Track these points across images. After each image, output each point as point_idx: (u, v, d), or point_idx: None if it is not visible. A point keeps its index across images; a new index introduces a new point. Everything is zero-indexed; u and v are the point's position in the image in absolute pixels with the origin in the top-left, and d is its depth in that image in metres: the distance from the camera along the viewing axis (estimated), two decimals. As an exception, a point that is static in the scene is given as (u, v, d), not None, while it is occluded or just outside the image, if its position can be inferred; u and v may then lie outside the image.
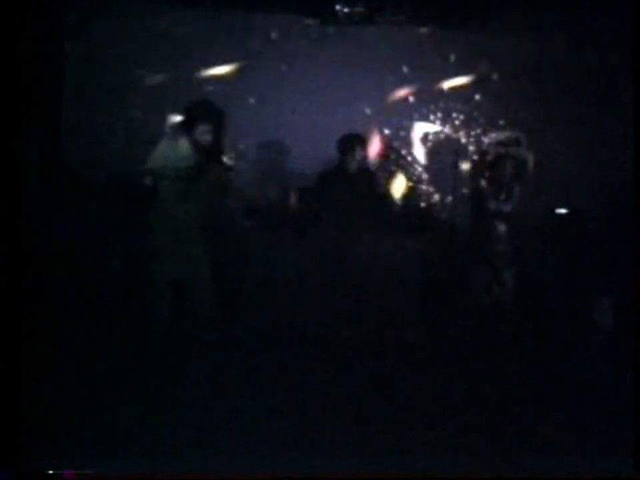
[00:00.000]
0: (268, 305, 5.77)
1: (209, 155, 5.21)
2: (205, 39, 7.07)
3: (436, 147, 7.56)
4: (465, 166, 7.25)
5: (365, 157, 6.33)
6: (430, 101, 7.52)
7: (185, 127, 5.25)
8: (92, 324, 5.27)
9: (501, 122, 7.52)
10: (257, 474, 3.57)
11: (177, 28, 7.00)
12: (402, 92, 7.44)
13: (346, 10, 6.79)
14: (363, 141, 6.30)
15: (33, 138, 5.11)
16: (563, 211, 6.99)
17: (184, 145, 5.18)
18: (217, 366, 4.91)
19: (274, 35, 7.22)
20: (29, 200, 4.44)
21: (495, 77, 7.52)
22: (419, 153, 7.53)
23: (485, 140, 7.05)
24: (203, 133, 5.18)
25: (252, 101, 7.18)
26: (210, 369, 4.85)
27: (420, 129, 7.52)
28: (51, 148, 5.44)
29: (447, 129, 7.56)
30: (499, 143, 6.34)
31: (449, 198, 7.35)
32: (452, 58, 7.47)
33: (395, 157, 7.34)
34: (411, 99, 7.48)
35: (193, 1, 6.90)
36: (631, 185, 4.68)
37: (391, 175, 7.04)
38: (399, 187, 6.99)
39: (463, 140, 7.54)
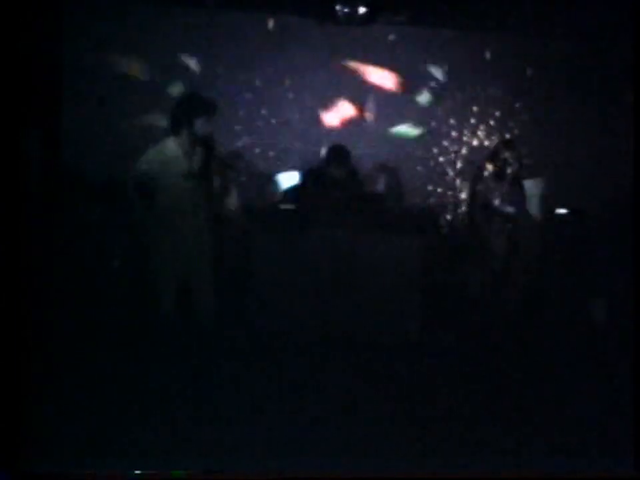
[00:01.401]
0: (268, 304, 5.77)
1: (203, 151, 5.07)
2: (205, 39, 7.08)
3: (433, 149, 7.57)
4: (461, 167, 7.29)
5: (348, 169, 6.33)
6: (428, 103, 7.53)
7: (177, 124, 5.08)
8: (92, 324, 5.27)
9: (499, 123, 7.54)
10: (257, 474, 3.57)
11: (177, 28, 7.00)
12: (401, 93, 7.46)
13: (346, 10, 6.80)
14: (346, 154, 6.34)
15: (33, 138, 5.10)
16: (562, 211, 6.99)
17: (173, 144, 5.04)
18: (217, 366, 4.91)
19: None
20: (29, 200, 4.44)
21: (494, 76, 7.53)
22: (417, 154, 7.54)
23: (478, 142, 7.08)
24: (197, 127, 5.01)
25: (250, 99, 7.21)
26: (210, 370, 4.85)
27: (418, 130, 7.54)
28: (51, 148, 5.43)
29: (446, 131, 7.57)
30: (494, 145, 6.37)
31: (447, 200, 7.39)
32: (450, 59, 7.48)
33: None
34: (411, 100, 7.49)
35: (193, 2, 6.91)
36: (631, 184, 4.68)
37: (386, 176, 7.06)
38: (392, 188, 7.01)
39: (460, 141, 7.56)
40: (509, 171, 6.03)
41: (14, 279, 3.66)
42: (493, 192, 6.04)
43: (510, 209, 6.00)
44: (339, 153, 6.33)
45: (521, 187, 6.09)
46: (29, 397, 3.70)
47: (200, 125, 4.97)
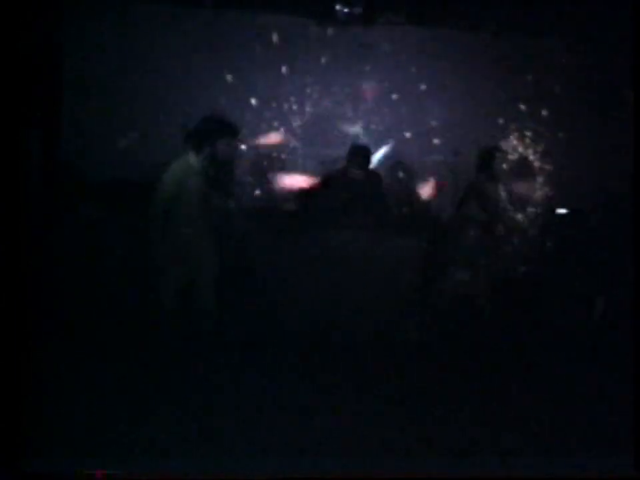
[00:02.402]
0: (271, 306, 5.77)
1: (223, 171, 5.17)
2: (205, 39, 7.07)
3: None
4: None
5: (368, 166, 6.36)
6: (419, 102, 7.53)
7: (199, 144, 5.16)
8: (92, 324, 5.27)
9: (499, 124, 7.52)
10: (257, 474, 3.57)
11: (177, 27, 6.99)
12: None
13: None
14: (368, 152, 6.37)
15: (33, 138, 5.10)
16: (562, 211, 6.98)
17: (197, 163, 5.12)
18: (217, 367, 4.91)
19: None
20: (29, 200, 4.44)
21: (494, 77, 7.51)
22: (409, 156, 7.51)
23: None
24: (221, 149, 5.12)
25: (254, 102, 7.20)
26: (211, 370, 4.86)
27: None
28: (51, 148, 5.44)
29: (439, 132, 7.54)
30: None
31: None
32: (446, 58, 7.47)
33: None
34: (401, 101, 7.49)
35: (193, 1, 6.90)
36: (630, 184, 4.69)
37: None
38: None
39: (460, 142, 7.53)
40: (496, 173, 6.01)
41: (14, 278, 3.66)
42: (481, 194, 6.01)
43: (495, 211, 5.97)
44: (359, 152, 6.35)
45: (508, 189, 6.07)
46: (29, 397, 3.70)
47: (222, 147, 5.07)
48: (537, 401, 4.70)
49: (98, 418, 4.07)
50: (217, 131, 5.12)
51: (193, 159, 5.09)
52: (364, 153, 6.35)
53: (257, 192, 6.84)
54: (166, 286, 5.04)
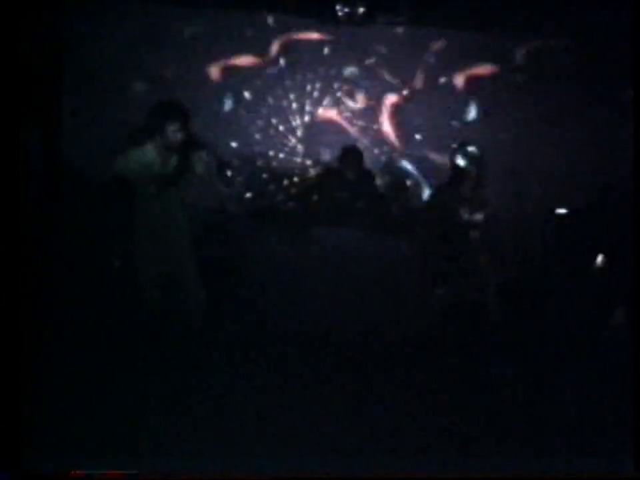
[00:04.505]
0: (261, 304, 5.78)
1: (179, 155, 5.11)
2: (204, 39, 7.08)
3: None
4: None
5: (361, 168, 6.39)
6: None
7: (151, 129, 5.13)
8: (92, 324, 5.27)
9: (497, 123, 7.53)
10: (256, 474, 3.57)
11: (176, 28, 7.01)
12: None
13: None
14: (359, 154, 6.41)
15: (33, 137, 5.10)
16: (562, 211, 6.99)
17: (150, 147, 5.09)
18: (216, 366, 4.92)
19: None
20: (28, 199, 4.44)
21: (493, 76, 7.53)
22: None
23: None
24: (171, 133, 5.06)
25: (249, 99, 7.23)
26: (209, 370, 4.86)
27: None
28: (51, 147, 5.44)
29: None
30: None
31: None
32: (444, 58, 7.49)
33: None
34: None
35: (193, 2, 6.91)
36: (630, 184, 4.69)
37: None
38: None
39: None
40: (467, 175, 5.83)
41: (14, 278, 3.66)
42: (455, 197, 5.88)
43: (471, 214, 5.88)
44: (351, 153, 6.40)
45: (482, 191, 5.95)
46: (29, 397, 3.70)
47: (175, 131, 5.00)
48: (536, 400, 4.70)
49: (98, 418, 4.07)
50: (166, 115, 5.06)
51: (150, 146, 5.07)
52: (355, 154, 6.42)
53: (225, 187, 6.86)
54: (155, 282, 5.09)
